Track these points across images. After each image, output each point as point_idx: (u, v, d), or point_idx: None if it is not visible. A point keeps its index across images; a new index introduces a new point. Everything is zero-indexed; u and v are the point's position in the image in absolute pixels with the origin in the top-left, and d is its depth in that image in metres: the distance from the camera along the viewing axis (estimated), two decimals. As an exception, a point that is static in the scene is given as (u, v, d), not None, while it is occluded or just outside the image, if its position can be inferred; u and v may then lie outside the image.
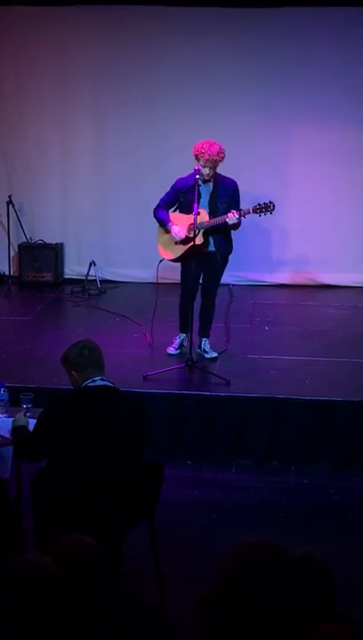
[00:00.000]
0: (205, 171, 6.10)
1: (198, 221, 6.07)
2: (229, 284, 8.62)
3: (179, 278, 6.59)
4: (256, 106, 8.49)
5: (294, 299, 8.53)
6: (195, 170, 6.08)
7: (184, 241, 6.32)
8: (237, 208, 6.20)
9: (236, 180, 6.36)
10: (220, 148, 6.10)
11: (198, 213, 6.02)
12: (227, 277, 8.45)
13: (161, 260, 6.53)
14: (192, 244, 6.17)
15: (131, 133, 8.70)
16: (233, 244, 6.46)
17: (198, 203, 6.11)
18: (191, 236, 6.23)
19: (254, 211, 6.24)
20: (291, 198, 8.63)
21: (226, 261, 6.49)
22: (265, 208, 6.26)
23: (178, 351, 6.59)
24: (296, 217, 8.74)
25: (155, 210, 6.43)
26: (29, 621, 1.83)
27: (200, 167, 6.09)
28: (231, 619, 1.75)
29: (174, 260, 6.48)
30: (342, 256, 8.81)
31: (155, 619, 2.24)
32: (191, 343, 6.30)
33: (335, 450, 5.86)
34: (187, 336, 6.47)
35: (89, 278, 8.73)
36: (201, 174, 6.10)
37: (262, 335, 7.35)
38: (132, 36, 8.50)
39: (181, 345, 6.61)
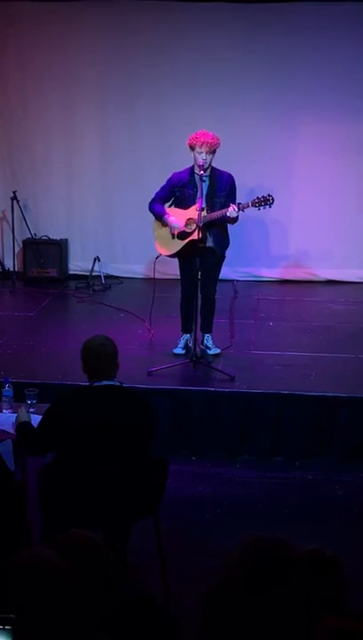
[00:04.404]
0: (202, 156, 6.02)
1: (196, 216, 6.06)
2: (233, 280, 8.63)
3: (177, 274, 6.57)
4: (261, 100, 8.48)
5: (298, 294, 8.52)
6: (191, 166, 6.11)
7: (182, 236, 6.31)
8: (235, 202, 6.19)
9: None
10: (214, 134, 6.10)
11: (203, 209, 6.02)
12: (231, 273, 8.50)
13: (158, 256, 6.52)
14: (191, 238, 6.17)
15: (136, 130, 8.70)
16: (230, 239, 6.43)
17: (196, 197, 6.10)
18: (188, 230, 6.22)
19: (253, 204, 6.21)
20: (296, 194, 8.63)
21: (223, 257, 6.45)
22: (264, 201, 6.22)
23: (184, 351, 6.56)
24: (301, 212, 8.74)
25: (150, 204, 6.39)
26: (34, 613, 1.84)
27: (195, 156, 6.05)
28: (237, 613, 1.75)
29: (172, 256, 6.46)
30: (346, 252, 8.81)
31: (159, 613, 2.25)
32: (196, 339, 6.30)
33: (340, 445, 5.86)
34: (191, 336, 6.45)
35: (93, 274, 8.74)
36: (197, 165, 6.06)
37: (267, 331, 7.35)
38: (137, 31, 8.48)
39: (186, 345, 6.58)
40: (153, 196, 6.41)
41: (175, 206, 6.36)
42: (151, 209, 6.39)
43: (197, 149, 6.05)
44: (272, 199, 6.21)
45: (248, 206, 6.17)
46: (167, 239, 6.39)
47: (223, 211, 6.08)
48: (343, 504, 5.35)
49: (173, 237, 6.35)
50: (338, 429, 5.86)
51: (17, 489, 3.92)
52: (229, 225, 6.32)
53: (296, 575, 1.80)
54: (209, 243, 6.23)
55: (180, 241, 6.32)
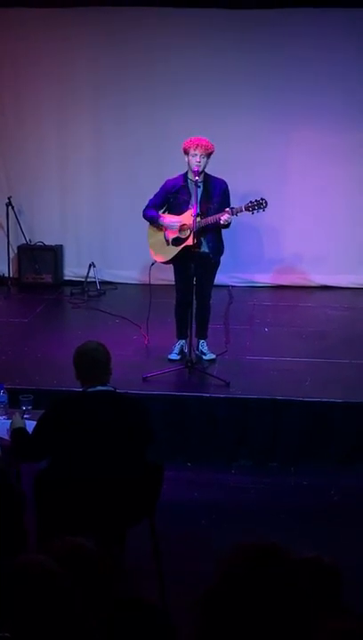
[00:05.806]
0: (196, 159, 6.03)
1: (190, 222, 6.07)
2: (228, 286, 8.64)
3: (172, 279, 6.57)
4: (255, 107, 8.50)
5: (293, 300, 8.53)
6: (185, 173, 6.14)
7: (176, 242, 6.31)
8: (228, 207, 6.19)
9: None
10: (208, 140, 6.12)
11: (198, 215, 6.02)
12: (226, 279, 8.50)
13: (153, 263, 6.53)
14: (185, 244, 6.17)
15: (130, 135, 8.71)
16: (224, 244, 6.43)
17: (190, 203, 6.11)
18: (183, 236, 6.23)
19: (247, 208, 6.20)
20: (290, 200, 8.64)
21: (218, 262, 6.45)
22: (257, 205, 6.22)
23: (179, 356, 6.56)
24: (295, 218, 8.75)
25: (144, 211, 6.39)
26: (33, 619, 1.84)
27: (190, 161, 6.06)
28: (231, 617, 1.75)
29: (167, 262, 6.46)
30: (341, 257, 8.82)
31: (157, 617, 2.25)
32: (191, 344, 6.30)
33: (335, 451, 5.86)
34: (186, 341, 6.45)
35: (88, 280, 8.73)
36: (191, 171, 6.06)
37: (262, 336, 7.35)
38: (131, 38, 8.50)
39: (182, 351, 6.58)
40: (147, 203, 6.42)
41: (169, 212, 6.36)
42: (146, 216, 6.40)
43: (192, 152, 6.06)
44: (265, 203, 6.21)
45: (242, 210, 6.18)
46: (162, 246, 6.39)
47: (217, 216, 6.08)
48: (339, 509, 5.35)
49: (168, 244, 6.36)
50: (333, 435, 5.87)
51: (15, 494, 3.92)
52: (223, 230, 6.33)
53: (290, 578, 1.81)
54: (204, 248, 6.23)
55: (174, 247, 6.33)
